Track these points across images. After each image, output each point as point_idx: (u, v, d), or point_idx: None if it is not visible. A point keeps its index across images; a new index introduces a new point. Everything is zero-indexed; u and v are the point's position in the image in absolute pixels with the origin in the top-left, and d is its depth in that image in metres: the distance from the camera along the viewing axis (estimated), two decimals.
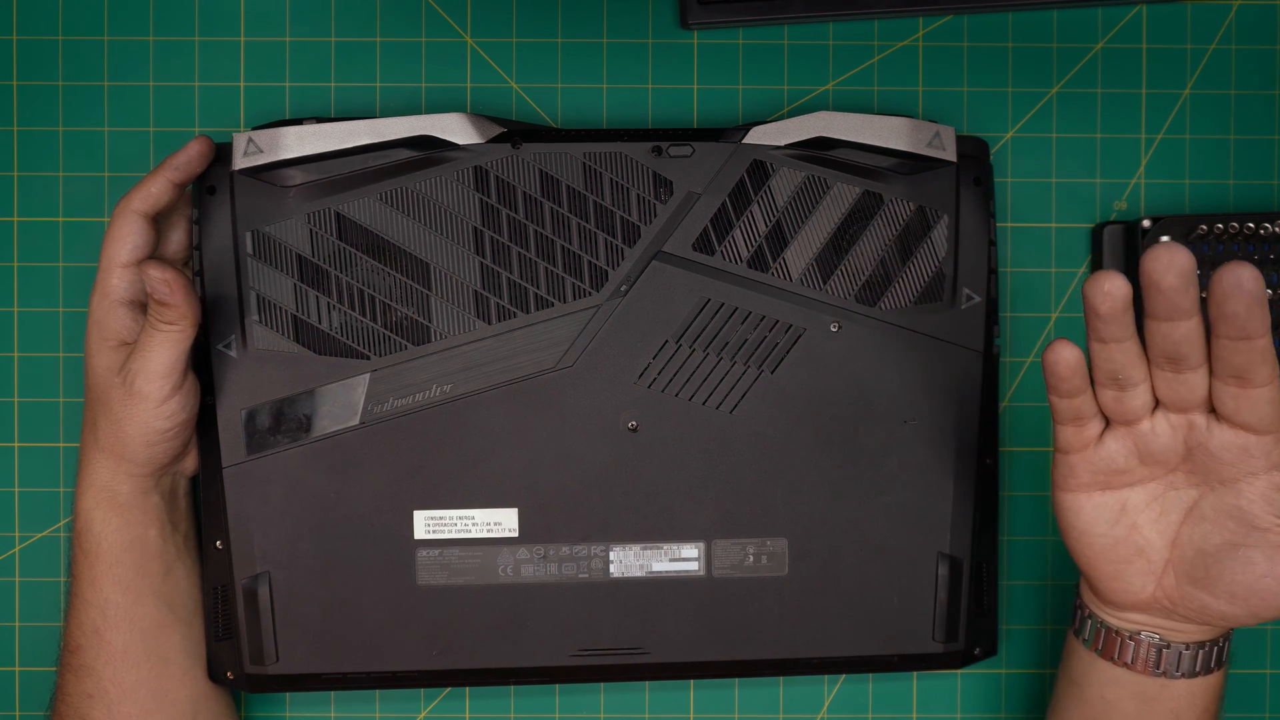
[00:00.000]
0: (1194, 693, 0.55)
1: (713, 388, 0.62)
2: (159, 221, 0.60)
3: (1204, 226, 0.63)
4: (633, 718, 0.67)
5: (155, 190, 0.58)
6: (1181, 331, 0.47)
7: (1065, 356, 0.49)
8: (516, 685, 0.66)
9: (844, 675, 0.68)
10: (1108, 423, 0.51)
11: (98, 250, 0.59)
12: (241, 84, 0.66)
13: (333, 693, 0.67)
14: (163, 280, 0.55)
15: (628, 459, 0.61)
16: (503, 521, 0.61)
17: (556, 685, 0.67)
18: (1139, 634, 0.55)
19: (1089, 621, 0.57)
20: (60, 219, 0.66)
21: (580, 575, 0.62)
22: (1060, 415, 0.51)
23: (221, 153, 0.60)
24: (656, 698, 0.67)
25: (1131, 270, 0.65)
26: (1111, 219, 0.67)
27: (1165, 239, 0.46)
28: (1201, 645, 0.55)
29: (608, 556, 0.62)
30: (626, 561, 0.62)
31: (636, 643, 0.62)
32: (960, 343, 0.62)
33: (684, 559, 0.62)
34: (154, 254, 0.60)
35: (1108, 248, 0.66)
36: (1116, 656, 0.56)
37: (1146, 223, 0.64)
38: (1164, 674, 0.55)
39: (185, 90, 0.66)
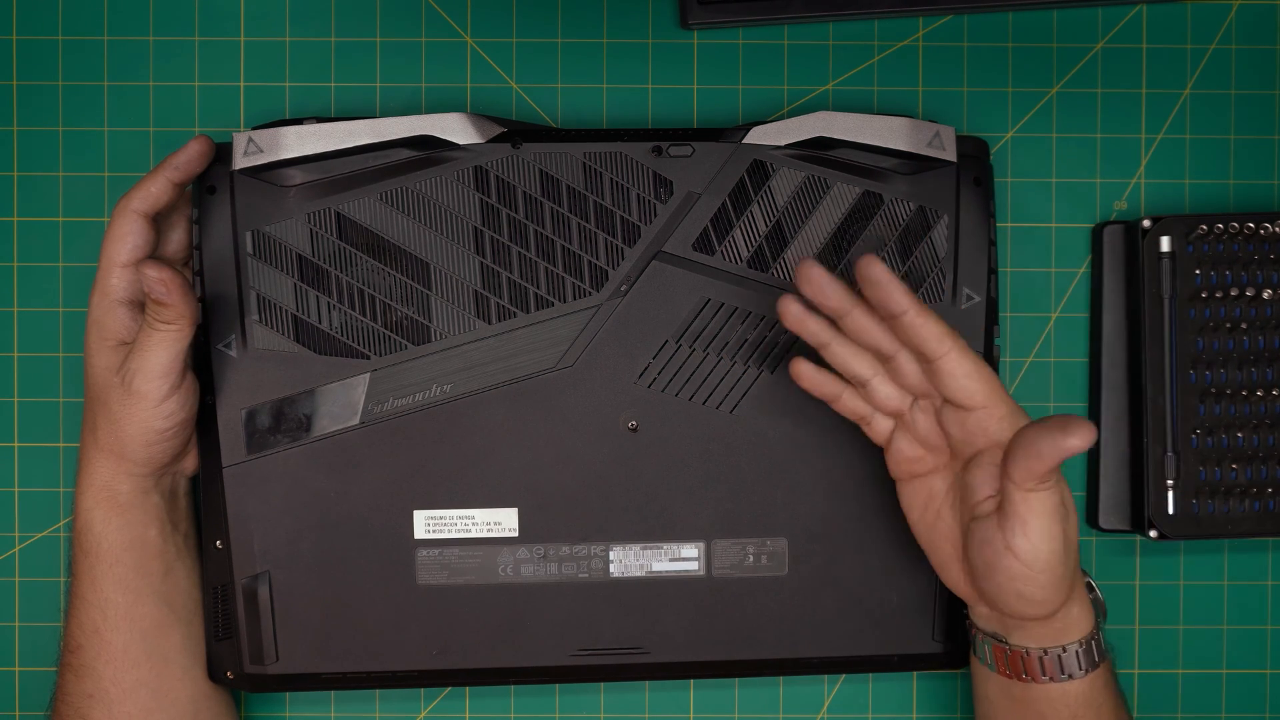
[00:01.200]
0: (1053, 697, 0.56)
1: (713, 388, 0.62)
2: (159, 221, 0.60)
3: (1204, 226, 0.63)
4: (633, 718, 0.67)
5: (155, 190, 0.58)
6: (853, 322, 0.53)
7: (801, 371, 0.56)
8: (516, 685, 0.66)
9: (844, 675, 0.68)
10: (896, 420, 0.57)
11: (98, 250, 0.59)
12: (241, 84, 0.66)
13: (333, 693, 0.67)
14: (159, 280, 0.55)
15: (628, 459, 0.61)
16: (503, 521, 0.61)
17: (556, 685, 0.67)
18: (991, 635, 0.57)
19: (965, 623, 0.60)
20: (60, 219, 0.66)
21: (580, 575, 0.62)
22: (849, 416, 0.57)
23: (221, 153, 0.60)
24: (656, 698, 0.67)
25: (1133, 270, 0.65)
26: (1111, 219, 0.67)
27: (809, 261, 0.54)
28: (1045, 650, 0.55)
29: (608, 556, 0.62)
30: (626, 561, 0.62)
31: (636, 642, 0.62)
32: None
33: (684, 559, 0.62)
34: (154, 254, 0.60)
35: (1108, 248, 0.66)
36: (984, 656, 0.58)
37: (1146, 223, 0.64)
38: (1014, 675, 0.56)
39: (185, 90, 0.66)
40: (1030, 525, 0.51)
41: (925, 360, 0.53)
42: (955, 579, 0.57)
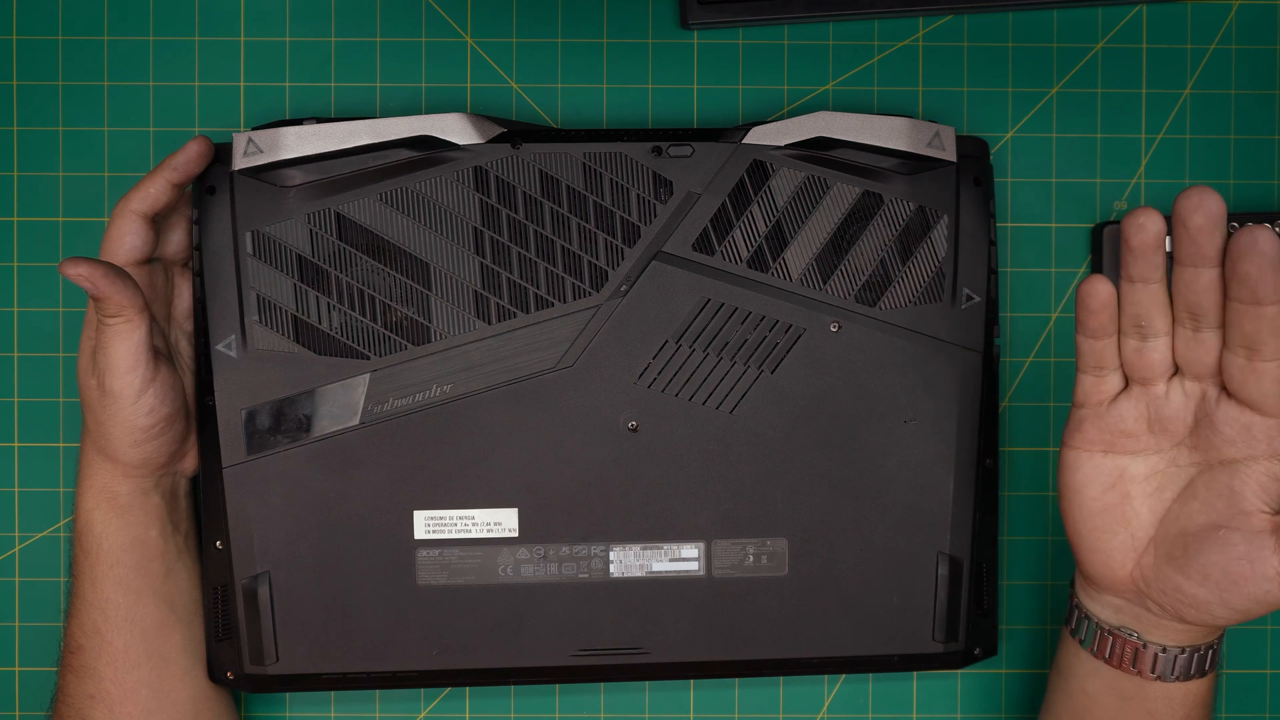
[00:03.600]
0: (1172, 697, 0.55)
1: (713, 388, 0.62)
2: (158, 222, 0.60)
3: None
4: (633, 718, 0.67)
5: (154, 190, 0.58)
6: (1204, 280, 0.47)
7: (1098, 289, 0.49)
8: (516, 685, 0.66)
9: (844, 675, 0.68)
10: (1126, 385, 0.51)
11: (97, 250, 0.59)
12: (241, 84, 0.66)
13: (333, 693, 0.67)
14: (81, 276, 0.54)
15: (628, 459, 0.61)
16: (503, 521, 0.61)
17: (556, 685, 0.67)
18: (1119, 629, 0.55)
19: (1076, 612, 0.57)
20: (60, 219, 0.66)
21: (580, 575, 0.62)
22: (1084, 360, 0.51)
23: (221, 153, 0.60)
24: (656, 698, 0.67)
25: None
26: (1111, 219, 0.67)
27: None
28: (1181, 650, 0.54)
29: (608, 556, 0.62)
30: (626, 561, 0.62)
31: (636, 643, 0.62)
32: (960, 343, 0.62)
33: (684, 559, 0.62)
34: (154, 254, 0.60)
35: (1108, 248, 0.66)
36: (1096, 650, 0.56)
37: None
38: (1140, 673, 0.55)
39: (185, 90, 0.66)
40: None
41: (1254, 356, 0.47)
42: (1113, 566, 0.53)
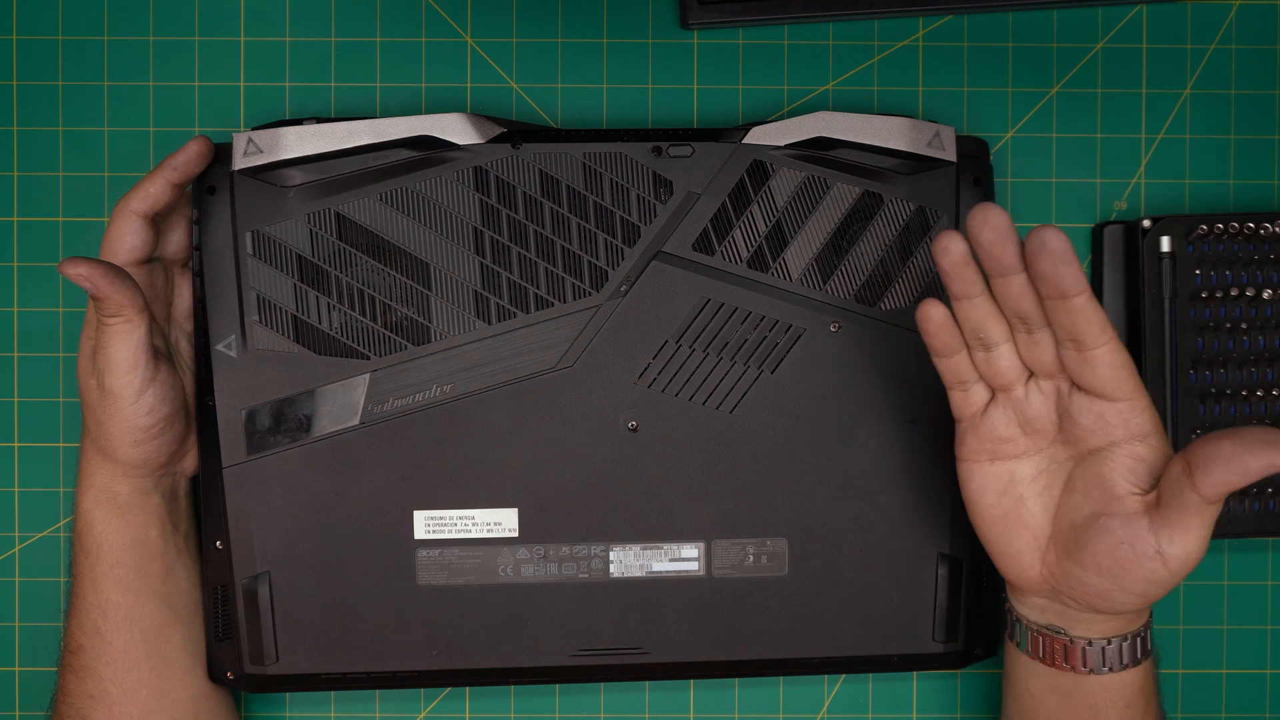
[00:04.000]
0: (1109, 688, 0.55)
1: (713, 388, 0.62)
2: (158, 222, 0.60)
3: (1204, 226, 0.63)
4: (633, 718, 0.67)
5: (154, 191, 0.58)
6: (1014, 287, 0.50)
7: (931, 313, 0.52)
8: (516, 685, 0.66)
9: (844, 675, 0.68)
10: (993, 394, 0.54)
11: (97, 250, 0.59)
12: (241, 84, 0.66)
13: (333, 693, 0.67)
14: (80, 276, 0.54)
15: (628, 459, 0.61)
16: (503, 521, 0.61)
17: (556, 685, 0.67)
18: (1047, 628, 0.56)
19: (1008, 616, 0.58)
20: (60, 219, 0.66)
21: (580, 575, 0.62)
22: (944, 378, 0.54)
23: (221, 153, 0.60)
24: (656, 698, 0.67)
25: (1133, 270, 0.65)
26: (1111, 219, 0.67)
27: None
28: (1108, 641, 0.55)
29: (608, 556, 0.62)
30: (626, 561, 0.62)
31: (636, 643, 0.62)
32: None
33: (684, 559, 0.62)
34: (154, 254, 0.60)
35: (1108, 248, 0.66)
36: (1031, 650, 0.57)
37: (1146, 223, 0.64)
38: (1073, 669, 0.55)
39: (185, 90, 0.66)
40: (1192, 535, 0.50)
41: (1080, 347, 0.50)
42: (1024, 567, 0.55)
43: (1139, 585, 0.52)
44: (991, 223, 0.48)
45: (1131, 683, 0.55)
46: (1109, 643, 0.55)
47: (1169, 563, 0.51)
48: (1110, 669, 0.55)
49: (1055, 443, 0.54)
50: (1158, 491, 0.51)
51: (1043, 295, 0.50)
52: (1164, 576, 0.51)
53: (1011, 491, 0.54)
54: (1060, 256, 0.48)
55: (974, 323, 0.52)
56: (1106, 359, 0.50)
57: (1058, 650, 0.56)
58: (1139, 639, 0.55)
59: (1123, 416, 0.51)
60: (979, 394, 0.54)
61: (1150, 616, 0.56)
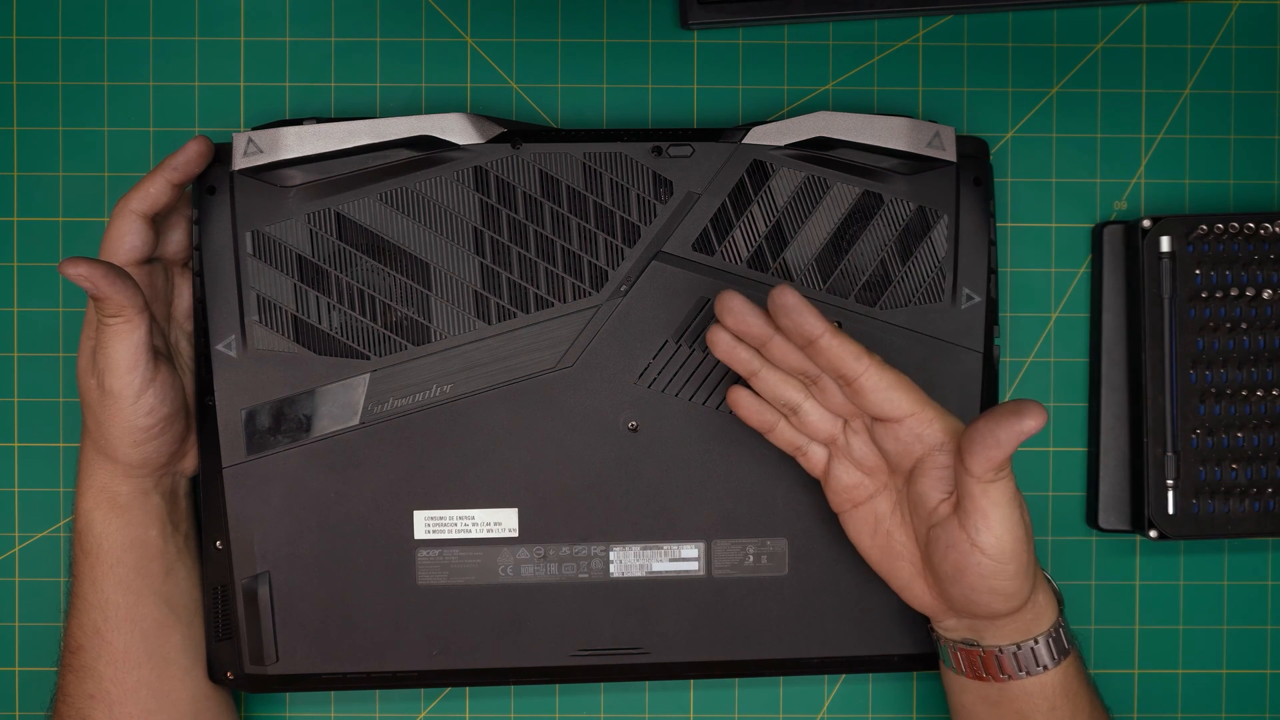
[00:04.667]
0: (1030, 691, 0.56)
1: (713, 388, 0.62)
2: (158, 222, 0.60)
3: (1204, 226, 0.63)
4: (633, 718, 0.67)
5: (154, 191, 0.58)
6: (776, 350, 0.54)
7: (740, 400, 0.57)
8: (516, 685, 0.66)
9: (844, 675, 0.68)
10: (828, 449, 0.57)
11: (97, 250, 0.59)
12: (241, 84, 0.66)
13: (333, 693, 0.67)
14: (80, 276, 0.54)
15: (628, 459, 0.61)
16: (503, 521, 0.61)
17: (556, 685, 0.67)
18: (963, 643, 0.57)
19: (931, 636, 0.60)
20: (60, 219, 0.66)
21: (580, 575, 0.62)
22: (782, 448, 0.58)
23: (221, 153, 0.60)
24: (656, 698, 0.67)
25: (1133, 270, 0.65)
26: (1111, 219, 0.67)
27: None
28: (1017, 646, 0.56)
29: (608, 556, 0.62)
30: (626, 561, 0.62)
31: (636, 643, 0.62)
32: (960, 343, 0.62)
33: (684, 559, 0.62)
34: (154, 254, 0.60)
35: (1108, 248, 0.66)
36: (955, 666, 0.58)
37: (1146, 223, 0.64)
38: (993, 678, 0.57)
39: (185, 90, 0.66)
40: (992, 517, 0.52)
41: (845, 381, 0.54)
42: (919, 595, 0.57)
43: (981, 582, 0.53)
44: (729, 308, 0.53)
45: (1052, 683, 0.56)
46: (1019, 647, 0.56)
47: (986, 551, 0.52)
48: (1028, 672, 0.56)
49: (892, 474, 0.56)
50: (955, 491, 0.53)
51: (799, 346, 0.53)
52: (991, 567, 0.52)
53: (880, 529, 0.57)
54: (793, 308, 0.52)
55: (769, 390, 0.56)
56: (871, 383, 0.53)
57: (977, 662, 0.57)
58: (1050, 639, 0.56)
59: (914, 432, 0.54)
60: (818, 453, 0.57)
61: (1060, 614, 0.57)
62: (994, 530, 0.52)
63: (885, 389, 0.53)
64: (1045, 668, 0.56)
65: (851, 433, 0.56)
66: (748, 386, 0.57)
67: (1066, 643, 0.57)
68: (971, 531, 0.52)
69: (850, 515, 0.58)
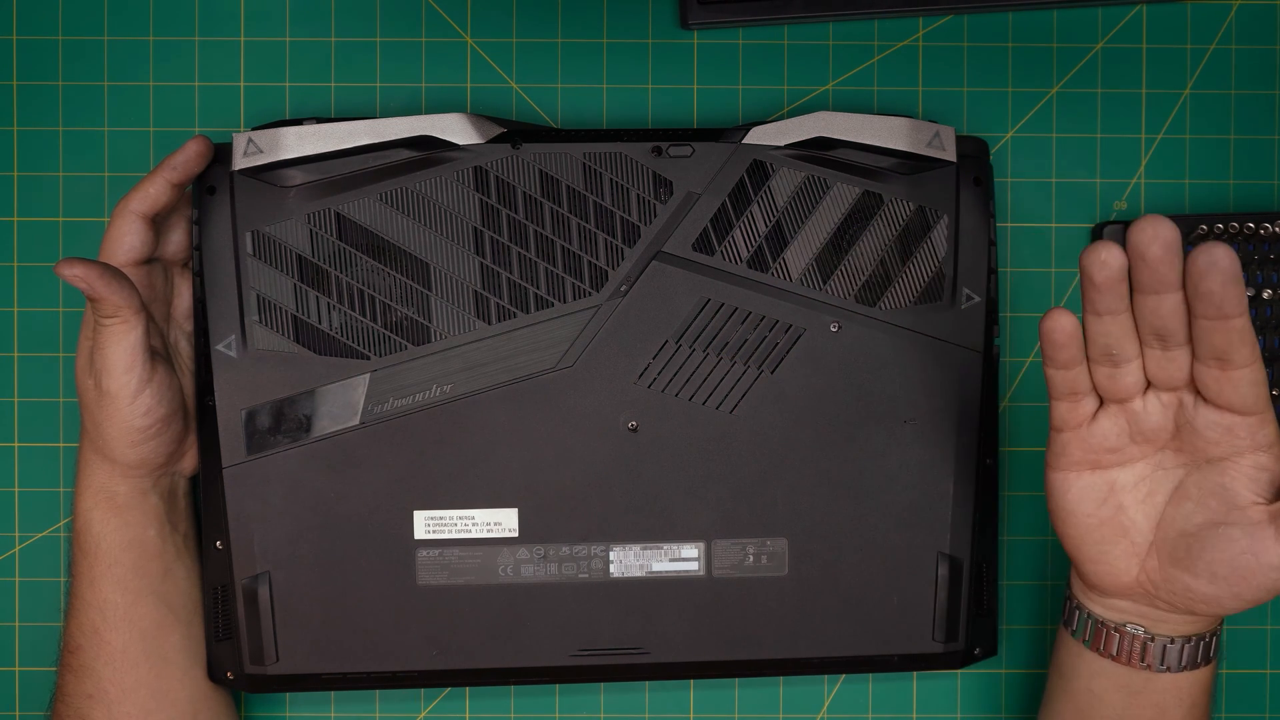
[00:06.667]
0: (1180, 687, 0.55)
1: (713, 388, 0.62)
2: (158, 222, 0.60)
3: (1204, 226, 0.63)
4: (633, 718, 0.67)
5: (154, 191, 0.58)
6: (1168, 305, 0.47)
7: (1062, 324, 0.49)
8: (516, 685, 0.66)
9: (844, 675, 0.68)
10: (1101, 402, 0.52)
11: (97, 250, 0.59)
12: (241, 84, 0.66)
13: (333, 693, 0.67)
14: (76, 277, 0.54)
15: (628, 459, 0.61)
16: (503, 521, 0.61)
17: (556, 685, 0.67)
18: (1125, 626, 0.55)
19: (1077, 612, 0.57)
20: (60, 219, 0.66)
21: (580, 575, 0.62)
22: (1056, 389, 0.51)
23: (221, 153, 0.60)
24: (656, 698, 0.67)
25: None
26: (1111, 219, 0.67)
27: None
28: (1188, 639, 0.55)
29: (608, 556, 0.62)
30: (626, 561, 0.62)
31: (636, 643, 0.62)
32: (960, 343, 0.62)
33: (684, 559, 0.62)
34: (154, 254, 0.60)
35: None
36: (1102, 648, 0.56)
37: None
38: (1149, 667, 0.55)
39: (185, 90, 0.66)
40: None
41: (1225, 366, 0.48)
42: (1116, 572, 0.54)
43: (1254, 593, 0.51)
44: (1163, 238, 0.46)
45: (1199, 681, 0.56)
46: (1189, 641, 0.55)
47: None
48: (1185, 668, 0.55)
49: (1165, 450, 0.52)
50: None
51: (1197, 314, 0.47)
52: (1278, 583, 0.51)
53: (1111, 500, 0.53)
54: (1230, 276, 0.46)
55: (1111, 338, 0.49)
56: (1251, 377, 0.48)
57: (1135, 648, 0.55)
58: (1214, 638, 0.56)
59: (1251, 430, 0.50)
60: (1089, 404, 0.52)
61: (1223, 618, 0.56)
62: None
63: (1260, 384, 0.49)
64: (1200, 665, 0.55)
65: (1154, 401, 0.51)
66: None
67: (1220, 644, 0.56)
68: None
69: (1080, 477, 0.53)
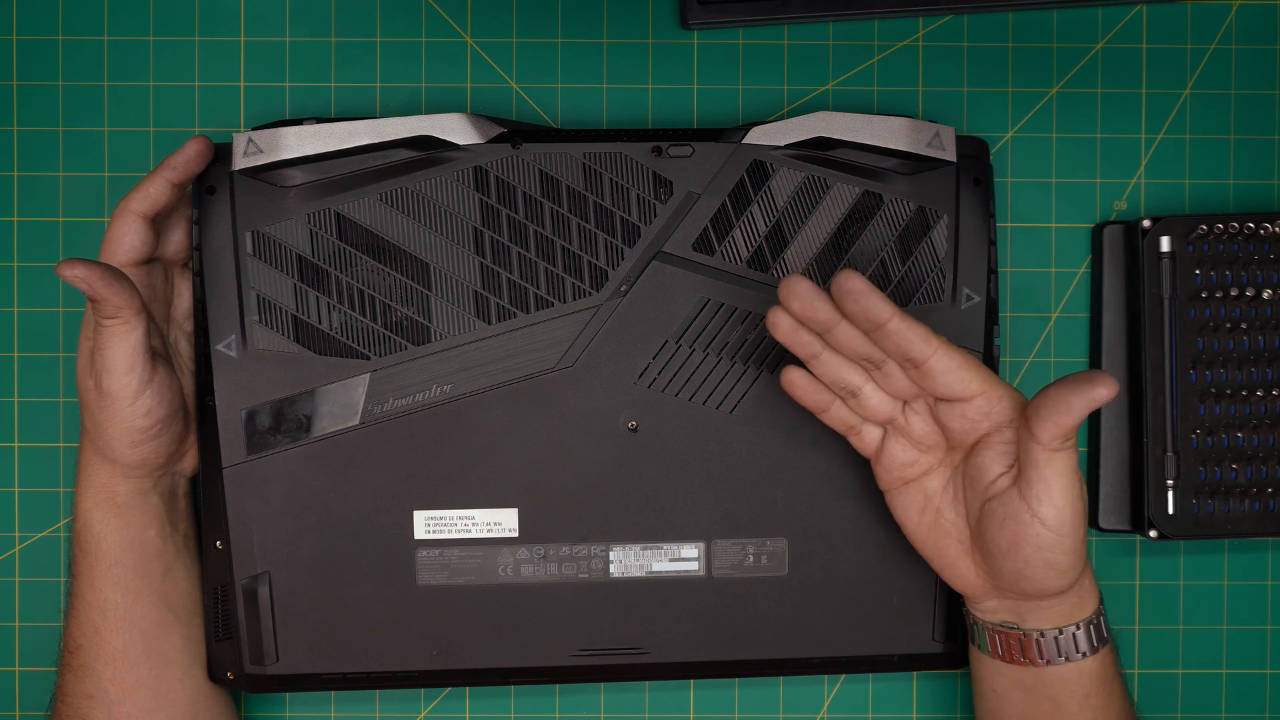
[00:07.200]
0: (1067, 679, 0.56)
1: (713, 388, 0.62)
2: (158, 222, 0.60)
3: (1204, 226, 0.63)
4: (633, 718, 0.67)
5: (154, 191, 0.58)
6: (842, 336, 0.53)
7: (794, 379, 0.56)
8: (516, 685, 0.66)
9: (844, 675, 0.68)
10: (884, 428, 0.57)
11: (97, 250, 0.59)
12: (241, 84, 0.66)
13: (333, 693, 0.67)
14: (77, 277, 0.54)
15: (628, 459, 0.61)
16: (503, 521, 0.61)
17: (556, 685, 0.67)
18: (1001, 625, 0.57)
19: (966, 619, 0.60)
20: (60, 219, 0.66)
21: (580, 575, 0.62)
22: (835, 427, 0.57)
23: (221, 153, 0.60)
24: (656, 698, 0.67)
25: (1133, 270, 0.65)
26: (1111, 219, 0.67)
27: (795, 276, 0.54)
28: (1059, 630, 0.56)
29: (608, 556, 0.62)
30: (626, 561, 0.62)
31: (636, 643, 0.62)
32: (960, 343, 0.62)
33: (684, 559, 0.62)
34: (154, 254, 0.60)
35: (1108, 248, 0.66)
36: (992, 650, 0.58)
37: (1146, 223, 0.64)
38: (1030, 662, 0.57)
39: (185, 90, 0.66)
40: (1054, 488, 0.52)
41: (913, 364, 0.53)
42: (964, 574, 0.57)
43: (1038, 555, 0.53)
44: (796, 293, 0.52)
45: (1089, 671, 0.56)
46: (1060, 632, 0.56)
47: (1046, 522, 0.52)
48: (1067, 658, 0.56)
49: (951, 450, 0.56)
50: (1018, 462, 0.53)
51: (863, 330, 0.53)
52: (1050, 539, 0.53)
53: (929, 506, 0.57)
54: (860, 293, 0.51)
55: (832, 375, 0.55)
56: (940, 366, 0.53)
57: (1015, 646, 0.57)
58: (1091, 626, 0.56)
59: (982, 410, 0.54)
60: (872, 433, 0.57)
61: (1100, 603, 0.57)
62: (1055, 501, 0.52)
63: (955, 369, 0.53)
64: (1084, 655, 0.56)
65: (911, 412, 0.56)
66: (802, 366, 0.56)
67: (1105, 631, 0.57)
68: (1033, 502, 0.52)
69: (899, 493, 0.57)
